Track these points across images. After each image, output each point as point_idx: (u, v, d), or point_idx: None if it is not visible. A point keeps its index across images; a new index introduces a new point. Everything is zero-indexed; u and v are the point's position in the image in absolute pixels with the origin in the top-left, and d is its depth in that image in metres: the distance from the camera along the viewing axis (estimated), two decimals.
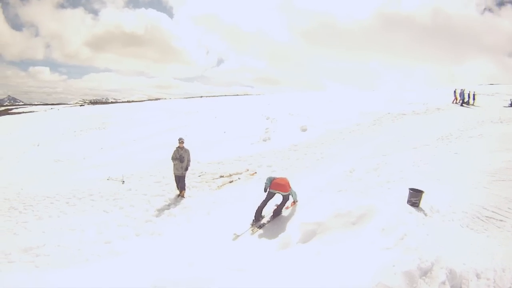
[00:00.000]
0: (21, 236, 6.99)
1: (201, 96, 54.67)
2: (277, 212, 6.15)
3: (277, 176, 6.12)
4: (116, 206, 8.28)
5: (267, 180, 6.08)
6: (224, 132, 14.84)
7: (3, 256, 6.01)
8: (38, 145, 19.40)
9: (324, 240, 4.20)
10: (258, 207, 6.15)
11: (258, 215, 6.15)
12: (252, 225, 6.07)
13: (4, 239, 6.87)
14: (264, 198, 6.04)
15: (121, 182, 9.84)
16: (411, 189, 4.85)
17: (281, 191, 5.88)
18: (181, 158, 8.08)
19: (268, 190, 5.97)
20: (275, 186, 5.89)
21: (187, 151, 8.24)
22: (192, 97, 55.54)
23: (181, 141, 8.21)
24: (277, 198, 6.17)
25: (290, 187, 6.01)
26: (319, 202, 6.11)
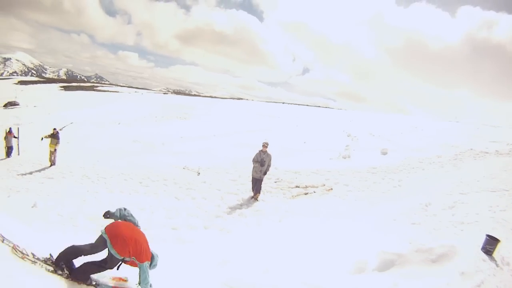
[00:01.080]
0: (90, 204, 9.61)
1: (283, 102, 61.39)
2: None
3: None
4: (189, 196, 10.50)
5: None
6: (304, 142, 18.94)
7: (68, 219, 8.48)
8: (119, 124, 25.36)
9: (402, 273, 5.19)
10: None
11: None
12: None
13: (73, 203, 9.62)
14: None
15: (197, 174, 12.56)
16: (488, 235, 5.72)
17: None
18: (262, 161, 10.29)
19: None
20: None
21: (269, 155, 10.45)
22: (275, 102, 62.57)
23: (265, 145, 10.49)
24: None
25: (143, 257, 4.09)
26: (394, 232, 7.52)
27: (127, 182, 11.62)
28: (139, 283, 4.02)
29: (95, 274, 4.01)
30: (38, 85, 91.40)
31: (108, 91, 75.27)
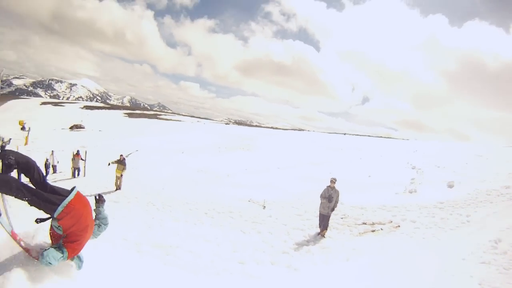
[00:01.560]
0: (155, 231, 10.23)
1: (345, 133, 61.11)
2: None
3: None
4: (254, 230, 10.85)
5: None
6: (369, 176, 19.55)
7: (133, 244, 9.09)
8: (182, 152, 26.83)
9: None
10: None
11: None
12: None
13: (138, 229, 10.28)
14: None
15: (262, 207, 13.01)
16: None
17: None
18: (330, 197, 10.69)
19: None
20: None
21: (336, 191, 10.90)
22: (336, 133, 62.78)
23: (333, 180, 10.99)
24: None
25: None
26: (463, 272, 7.42)
27: (192, 212, 12.24)
28: (44, 257, 3.89)
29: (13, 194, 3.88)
30: (103, 110, 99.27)
31: (171, 119, 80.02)
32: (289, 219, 11.84)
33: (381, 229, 11.04)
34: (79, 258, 4.40)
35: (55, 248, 4.03)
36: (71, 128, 54.99)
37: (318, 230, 10.72)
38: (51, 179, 18.06)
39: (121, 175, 15.24)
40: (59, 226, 4.08)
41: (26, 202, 3.93)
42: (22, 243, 4.23)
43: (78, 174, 18.07)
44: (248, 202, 13.44)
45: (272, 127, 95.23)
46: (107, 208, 11.81)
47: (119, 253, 8.36)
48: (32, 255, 4.14)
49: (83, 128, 54.41)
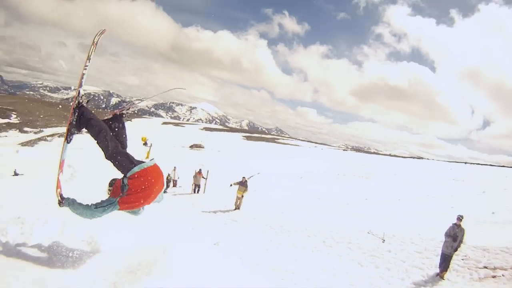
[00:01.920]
0: (272, 254, 10.68)
1: (465, 162, 55.90)
2: None
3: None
4: (372, 264, 10.77)
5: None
6: (493, 213, 18.73)
7: (250, 264, 9.51)
8: (301, 178, 27.54)
9: None
10: None
11: None
12: None
13: (256, 250, 10.86)
14: None
15: (382, 240, 12.82)
16: None
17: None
18: (455, 236, 10.40)
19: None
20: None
21: (462, 230, 10.58)
22: (456, 162, 58.03)
23: (460, 218, 10.76)
24: None
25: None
26: None
27: (310, 238, 12.54)
28: (94, 205, 4.72)
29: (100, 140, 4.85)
30: (222, 132, 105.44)
31: (288, 144, 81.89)
32: (408, 255, 11.52)
33: (503, 275, 10.24)
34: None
35: (107, 203, 4.76)
36: (191, 147, 59.55)
37: (438, 270, 10.32)
38: (170, 193, 20.09)
39: (242, 196, 16.24)
40: (127, 184, 4.77)
41: (103, 154, 4.90)
42: (60, 175, 5.21)
43: (198, 191, 19.85)
44: (367, 234, 13.33)
45: (390, 155, 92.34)
46: (229, 226, 12.75)
47: (237, 271, 9.01)
48: (58, 193, 5.06)
49: (203, 147, 58.55)
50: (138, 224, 8.93)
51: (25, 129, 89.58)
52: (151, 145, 46.04)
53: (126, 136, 5.38)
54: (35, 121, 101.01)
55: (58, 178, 5.25)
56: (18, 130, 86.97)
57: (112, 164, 4.91)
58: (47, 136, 79.39)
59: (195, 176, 20.20)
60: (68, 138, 5.13)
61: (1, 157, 32.51)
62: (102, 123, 5.07)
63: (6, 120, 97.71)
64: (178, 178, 22.37)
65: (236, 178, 17.62)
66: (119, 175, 4.97)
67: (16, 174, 24.55)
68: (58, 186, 5.11)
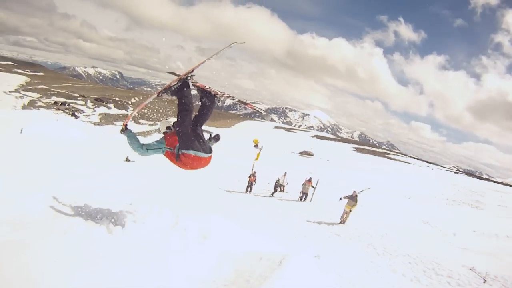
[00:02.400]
0: (370, 276, 10.29)
1: None
2: None
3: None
4: None
5: None
6: None
7: (347, 283, 9.22)
8: (409, 198, 26.37)
9: None
10: None
11: None
12: None
13: (356, 269, 10.53)
14: None
15: (483, 280, 11.58)
16: None
17: None
18: None
19: None
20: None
21: None
22: None
23: None
24: None
25: None
26: None
27: (411, 266, 11.83)
28: (146, 145, 6.14)
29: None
30: (333, 142, 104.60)
31: (398, 160, 78.64)
32: None
33: None
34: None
35: (157, 147, 6.13)
36: (301, 153, 60.03)
37: None
38: (277, 197, 20.40)
39: (350, 211, 15.73)
40: (178, 155, 5.96)
41: (175, 122, 5.97)
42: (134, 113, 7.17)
43: (305, 199, 19.82)
44: (469, 271, 12.22)
45: (502, 183, 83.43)
46: (331, 240, 12.48)
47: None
48: (125, 123, 6.28)
49: (312, 155, 58.72)
50: (248, 227, 9.28)
51: (141, 121, 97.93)
52: (261, 147, 47.34)
53: (208, 116, 6.32)
54: (150, 114, 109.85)
55: (131, 114, 6.81)
56: (133, 121, 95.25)
57: (176, 134, 5.99)
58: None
59: (304, 184, 20.14)
60: (160, 93, 6.31)
61: (116, 144, 35.58)
62: (191, 105, 6.00)
63: (123, 112, 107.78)
64: (287, 184, 22.58)
65: (345, 191, 17.41)
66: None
67: (128, 160, 27.25)
68: (128, 119, 6.32)
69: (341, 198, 16.46)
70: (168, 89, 6.15)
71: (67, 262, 4.81)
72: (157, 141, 6.25)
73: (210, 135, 6.75)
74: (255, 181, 21.58)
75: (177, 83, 6.05)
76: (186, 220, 7.19)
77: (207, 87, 6.20)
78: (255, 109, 7.00)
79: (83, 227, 6.17)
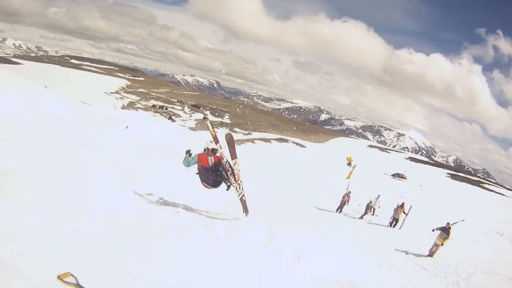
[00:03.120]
0: None
1: None
2: None
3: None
4: None
5: None
6: None
7: None
8: (501, 235, 23.45)
9: None
10: None
11: None
12: None
13: None
14: None
15: None
16: None
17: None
18: None
19: None
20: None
21: None
22: None
23: None
24: None
25: None
26: None
27: None
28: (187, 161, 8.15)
29: None
30: (427, 166, 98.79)
31: (494, 191, 71.62)
32: None
33: None
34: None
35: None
36: (393, 175, 57.49)
37: None
38: (366, 220, 19.64)
39: (442, 244, 14.52)
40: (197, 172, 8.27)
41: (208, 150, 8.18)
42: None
43: (395, 225, 18.75)
44: None
45: None
46: (417, 273, 11.65)
47: None
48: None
49: (405, 178, 55.92)
50: (336, 250, 9.02)
51: (235, 129, 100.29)
52: (354, 166, 46.59)
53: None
54: (245, 124, 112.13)
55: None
56: (228, 129, 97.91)
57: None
58: (255, 139, 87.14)
59: (396, 209, 19.04)
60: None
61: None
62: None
63: (219, 119, 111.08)
64: (379, 207, 21.57)
65: (435, 221, 16.19)
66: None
67: None
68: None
69: (433, 230, 15.12)
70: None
71: (157, 267, 4.82)
72: (192, 157, 8.11)
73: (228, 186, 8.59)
74: (348, 201, 20.90)
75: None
76: (280, 238, 6.90)
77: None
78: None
79: (176, 234, 6.24)
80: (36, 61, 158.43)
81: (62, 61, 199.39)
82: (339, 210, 20.57)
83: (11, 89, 22.65)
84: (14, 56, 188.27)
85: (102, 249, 4.89)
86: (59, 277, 3.73)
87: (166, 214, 7.53)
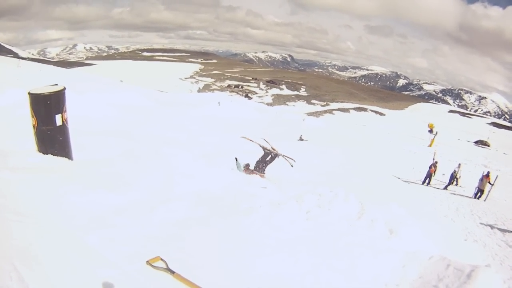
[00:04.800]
0: None
1: None
2: None
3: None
4: None
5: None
6: None
7: None
8: None
9: None
10: None
11: None
12: None
13: None
14: None
15: None
16: None
17: None
18: None
19: None
20: None
21: None
22: None
23: None
24: None
25: None
26: None
27: None
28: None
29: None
30: (510, 131, 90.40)
31: None
32: None
33: None
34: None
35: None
36: (476, 142, 53.53)
37: None
38: (450, 191, 18.66)
39: None
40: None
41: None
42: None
43: (479, 197, 17.50)
44: None
45: None
46: (502, 250, 10.83)
47: None
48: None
49: (488, 146, 51.83)
50: (423, 223, 8.70)
51: (312, 101, 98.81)
52: (436, 133, 44.01)
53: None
54: (322, 95, 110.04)
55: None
56: (305, 101, 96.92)
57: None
58: (333, 109, 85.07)
59: (481, 180, 17.61)
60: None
61: (288, 124, 36.23)
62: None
63: (296, 92, 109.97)
64: (460, 177, 20.10)
65: None
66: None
67: (301, 139, 27.56)
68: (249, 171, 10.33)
69: None
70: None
71: (250, 245, 4.79)
72: (240, 167, 10.18)
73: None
74: (435, 172, 19.46)
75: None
76: (372, 210, 6.73)
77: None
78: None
79: (266, 209, 6.20)
80: (109, 59, 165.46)
81: (134, 55, 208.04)
82: (426, 182, 19.32)
83: (90, 88, 23.85)
84: (87, 59, 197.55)
85: (194, 230, 4.96)
86: (148, 262, 3.74)
87: (253, 189, 7.58)
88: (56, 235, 3.68)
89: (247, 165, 10.28)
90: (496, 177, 17.97)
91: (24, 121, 6.59)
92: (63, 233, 3.79)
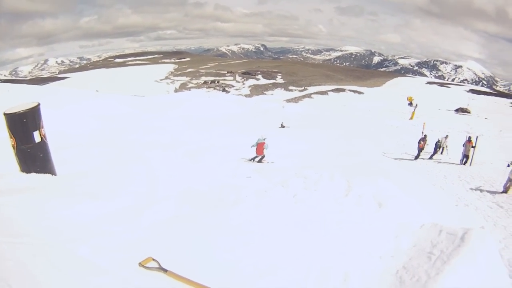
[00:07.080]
0: None
1: None
2: None
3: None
4: None
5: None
6: None
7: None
8: None
9: None
10: None
11: None
12: None
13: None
14: None
15: None
16: None
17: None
18: None
19: None
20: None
21: None
22: None
23: None
24: None
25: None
26: None
27: None
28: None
29: None
30: (489, 96, 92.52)
31: None
32: None
33: None
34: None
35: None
36: (456, 110, 54.58)
37: None
38: (435, 159, 18.79)
39: None
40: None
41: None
42: None
43: (465, 162, 17.58)
44: None
45: None
46: (493, 211, 10.81)
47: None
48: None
49: (469, 112, 52.94)
50: (411, 193, 8.71)
51: (290, 87, 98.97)
52: (416, 105, 44.62)
53: None
54: (299, 80, 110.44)
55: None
56: (283, 89, 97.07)
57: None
58: (311, 93, 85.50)
59: (464, 145, 17.64)
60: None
61: (268, 112, 36.49)
62: None
63: (272, 81, 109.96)
64: (446, 146, 19.92)
65: (507, 155, 15.03)
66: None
67: (282, 126, 27.72)
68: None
69: (508, 165, 13.87)
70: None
71: (240, 235, 4.77)
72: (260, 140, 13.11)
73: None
74: (424, 146, 19.01)
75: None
76: (358, 186, 6.71)
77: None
78: None
79: (253, 198, 6.21)
80: (82, 71, 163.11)
81: (107, 63, 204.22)
82: (418, 157, 18.91)
83: (66, 101, 23.82)
84: (59, 73, 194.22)
85: (182, 227, 4.96)
86: (140, 264, 3.78)
87: (239, 181, 7.58)
88: (47, 251, 3.64)
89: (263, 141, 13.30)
90: (477, 138, 18.13)
91: (3, 144, 6.49)
92: (54, 248, 3.74)
